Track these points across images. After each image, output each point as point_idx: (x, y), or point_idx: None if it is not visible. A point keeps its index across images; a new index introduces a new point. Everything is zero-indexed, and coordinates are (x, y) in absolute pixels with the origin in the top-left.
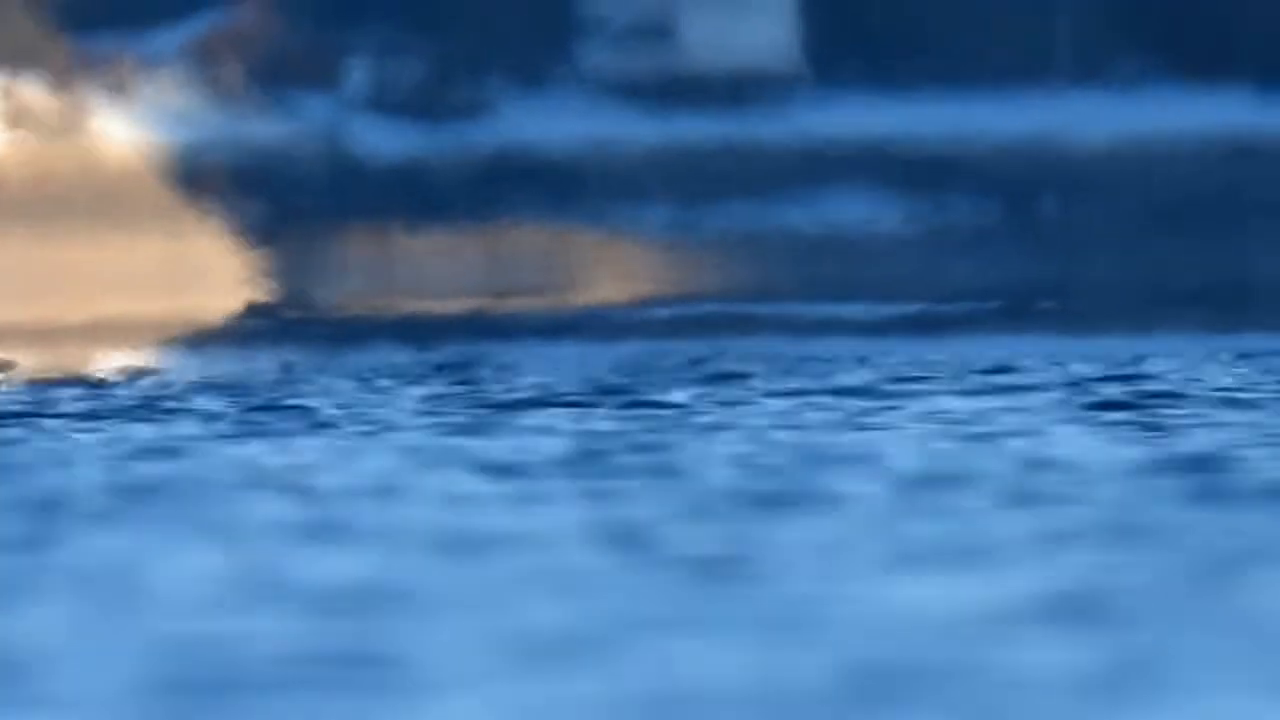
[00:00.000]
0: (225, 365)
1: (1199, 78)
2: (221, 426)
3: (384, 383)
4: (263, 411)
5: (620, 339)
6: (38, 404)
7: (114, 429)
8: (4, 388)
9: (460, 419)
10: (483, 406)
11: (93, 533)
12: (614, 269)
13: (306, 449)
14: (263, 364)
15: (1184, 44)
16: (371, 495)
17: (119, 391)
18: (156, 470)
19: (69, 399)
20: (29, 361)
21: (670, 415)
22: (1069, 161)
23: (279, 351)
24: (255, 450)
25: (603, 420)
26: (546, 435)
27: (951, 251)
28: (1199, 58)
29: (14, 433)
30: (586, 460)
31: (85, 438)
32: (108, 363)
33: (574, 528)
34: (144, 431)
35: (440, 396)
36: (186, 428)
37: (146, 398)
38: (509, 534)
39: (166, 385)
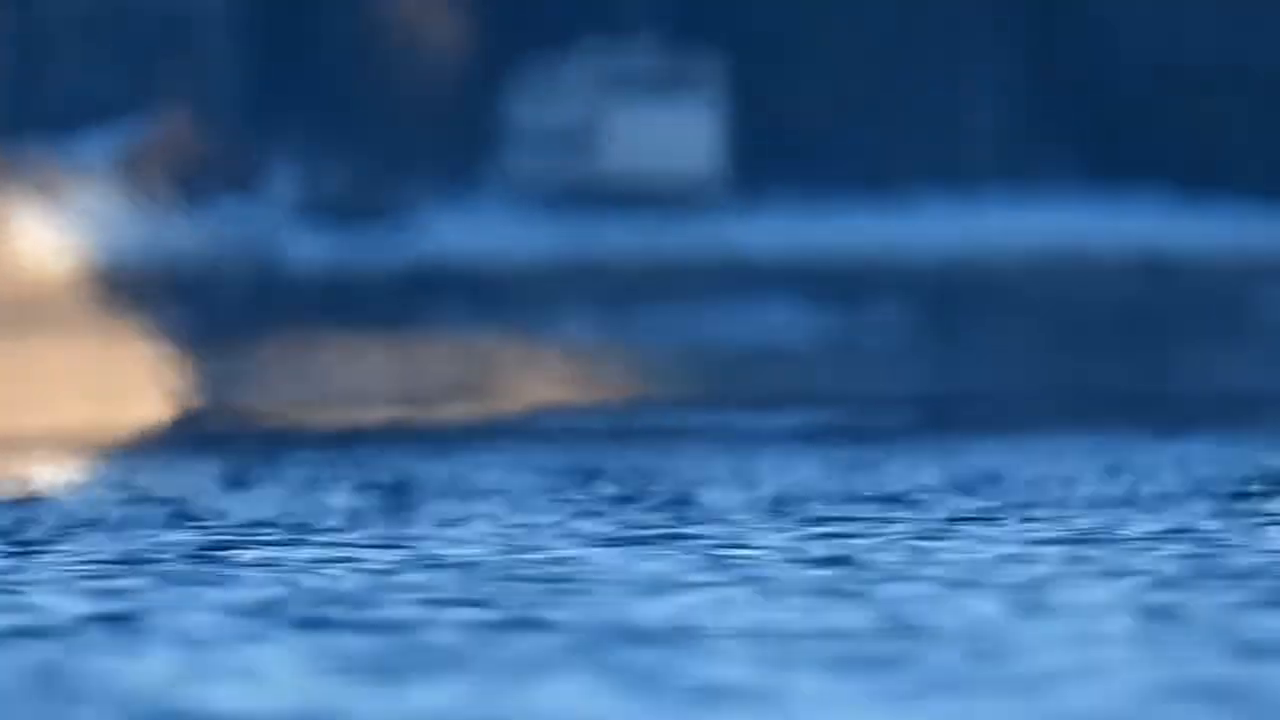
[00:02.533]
0: (147, 476)
1: (1110, 192)
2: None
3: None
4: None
5: (541, 445)
6: None
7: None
8: None
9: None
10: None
11: None
12: (531, 377)
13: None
14: (185, 474)
15: (1094, 158)
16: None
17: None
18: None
19: None
20: None
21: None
22: (983, 273)
23: (202, 461)
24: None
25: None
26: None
27: (861, 361)
28: (1112, 171)
29: None
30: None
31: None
32: (28, 476)
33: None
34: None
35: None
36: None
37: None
38: None
39: (88, 499)
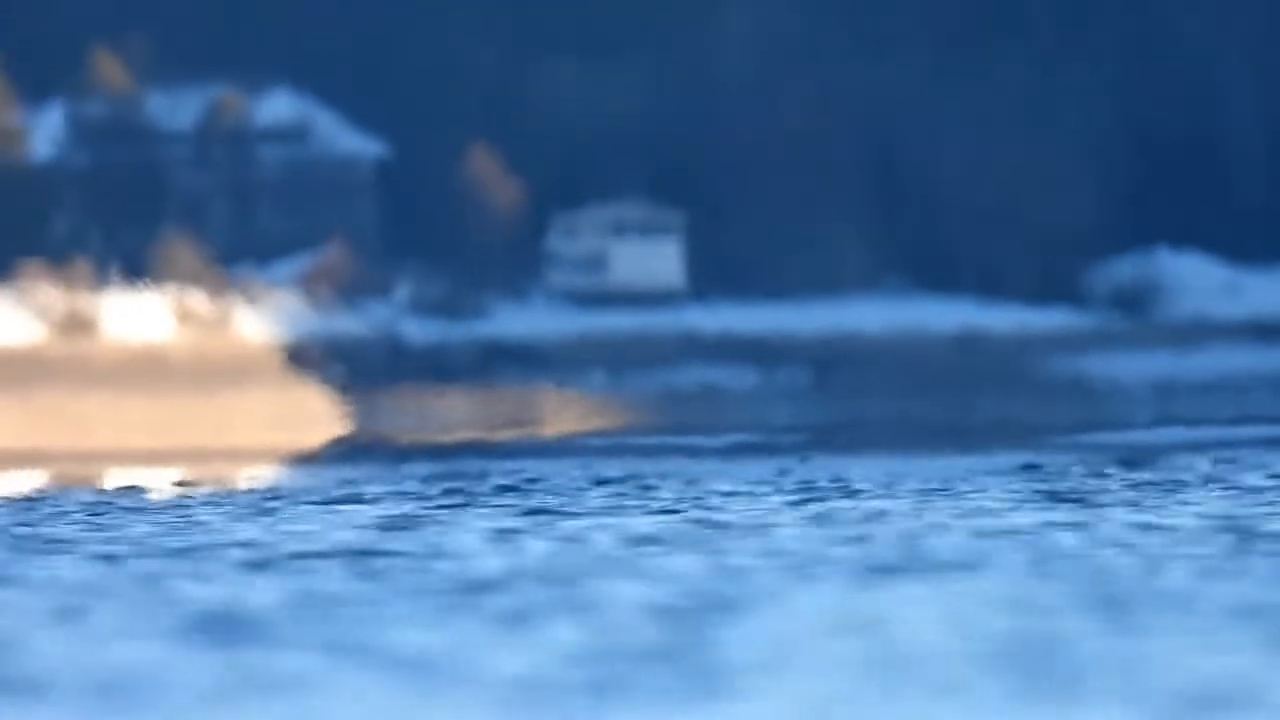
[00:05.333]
0: (320, 478)
1: (934, 291)
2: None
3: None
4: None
5: (564, 458)
6: (207, 503)
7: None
8: (187, 493)
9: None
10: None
11: None
12: (566, 414)
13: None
14: (344, 475)
15: (922, 269)
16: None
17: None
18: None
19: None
20: (196, 476)
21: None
22: (857, 345)
23: (355, 468)
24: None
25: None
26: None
27: (776, 402)
28: (935, 277)
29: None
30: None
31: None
32: (244, 476)
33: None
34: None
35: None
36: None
37: (270, 499)
38: None
39: (280, 492)
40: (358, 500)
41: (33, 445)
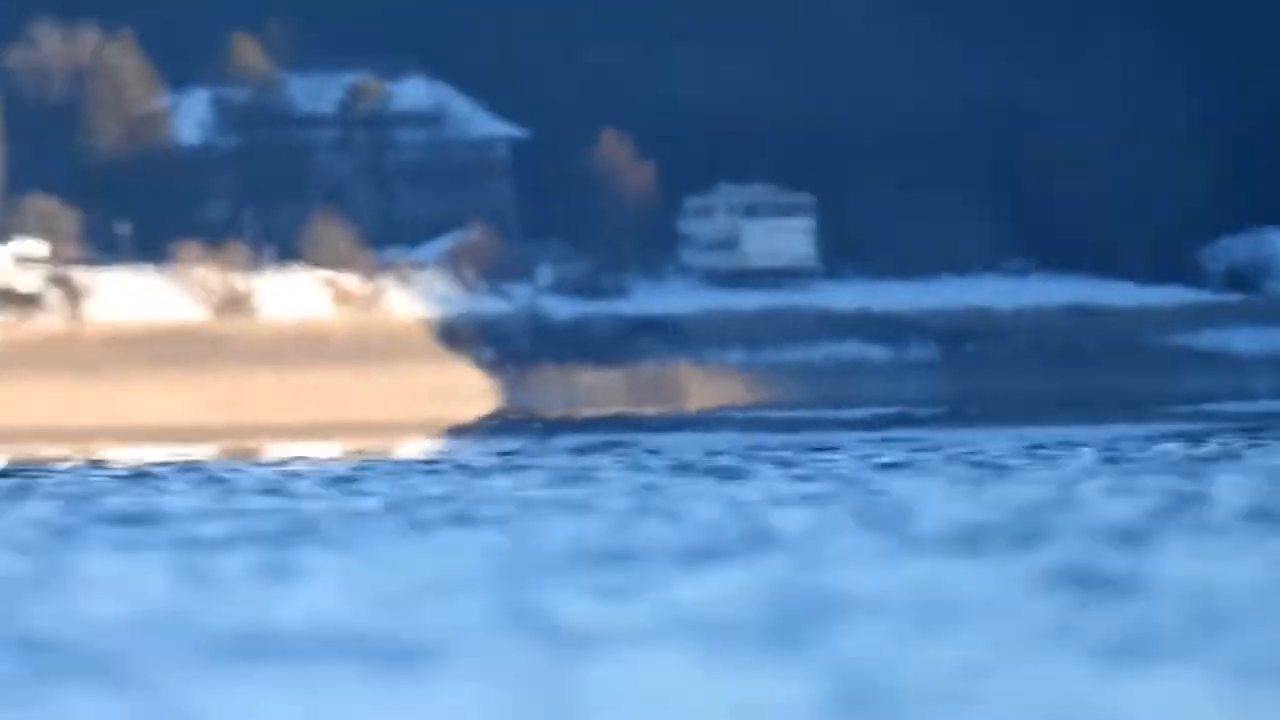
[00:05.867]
0: (472, 448)
1: (1054, 269)
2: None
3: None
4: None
5: (708, 430)
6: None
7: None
8: (350, 462)
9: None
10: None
11: None
12: (705, 389)
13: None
14: (495, 446)
15: (1042, 249)
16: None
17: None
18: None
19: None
20: (360, 445)
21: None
22: (984, 321)
23: (503, 438)
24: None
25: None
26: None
27: (908, 376)
28: (1055, 257)
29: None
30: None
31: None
32: (407, 444)
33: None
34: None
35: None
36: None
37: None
38: None
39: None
40: (510, 469)
41: (200, 421)
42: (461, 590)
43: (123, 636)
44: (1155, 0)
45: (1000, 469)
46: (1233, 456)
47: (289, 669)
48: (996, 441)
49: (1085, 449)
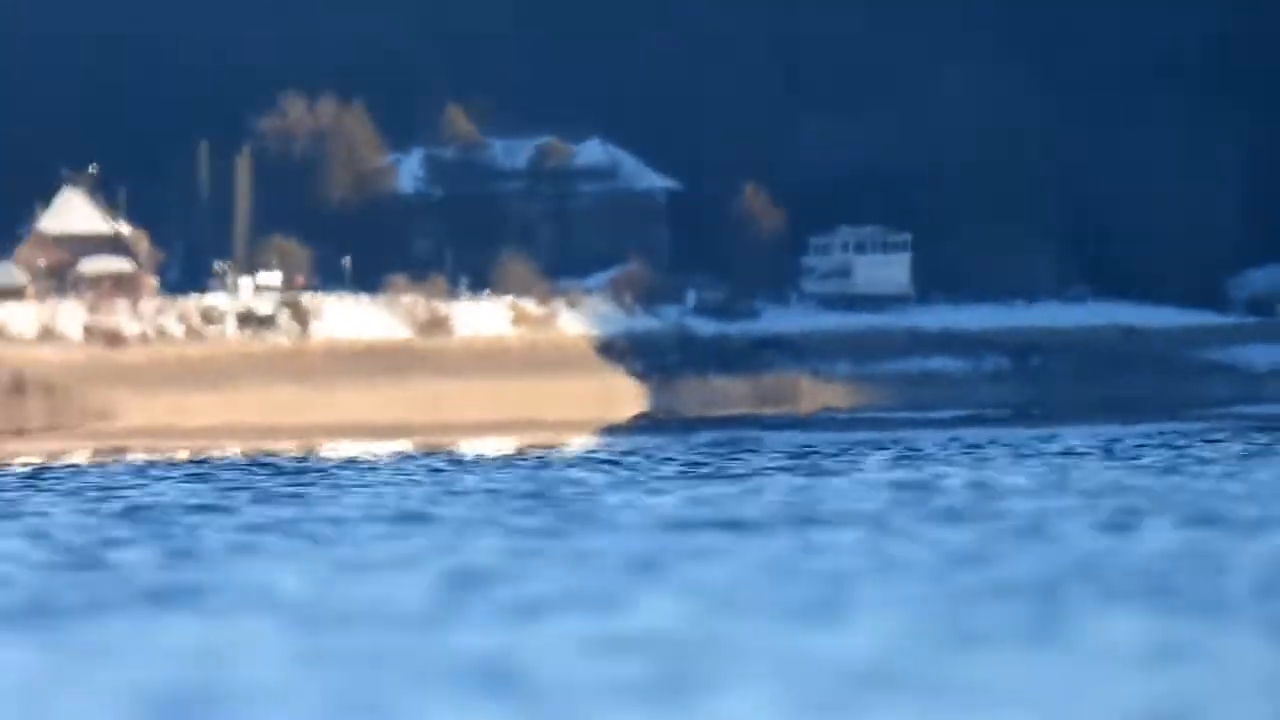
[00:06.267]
0: (626, 444)
1: (1106, 296)
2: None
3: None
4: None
5: (820, 430)
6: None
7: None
8: (532, 456)
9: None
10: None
11: None
12: (818, 394)
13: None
14: (646, 444)
15: (1099, 280)
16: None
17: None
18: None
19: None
20: (534, 440)
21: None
22: (1048, 339)
23: (651, 435)
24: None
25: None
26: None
27: (984, 385)
28: (1107, 285)
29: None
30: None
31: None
32: (573, 441)
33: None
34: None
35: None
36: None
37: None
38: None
39: (595, 453)
40: (653, 458)
41: (405, 420)
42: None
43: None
44: (1203, 72)
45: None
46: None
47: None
48: (1062, 439)
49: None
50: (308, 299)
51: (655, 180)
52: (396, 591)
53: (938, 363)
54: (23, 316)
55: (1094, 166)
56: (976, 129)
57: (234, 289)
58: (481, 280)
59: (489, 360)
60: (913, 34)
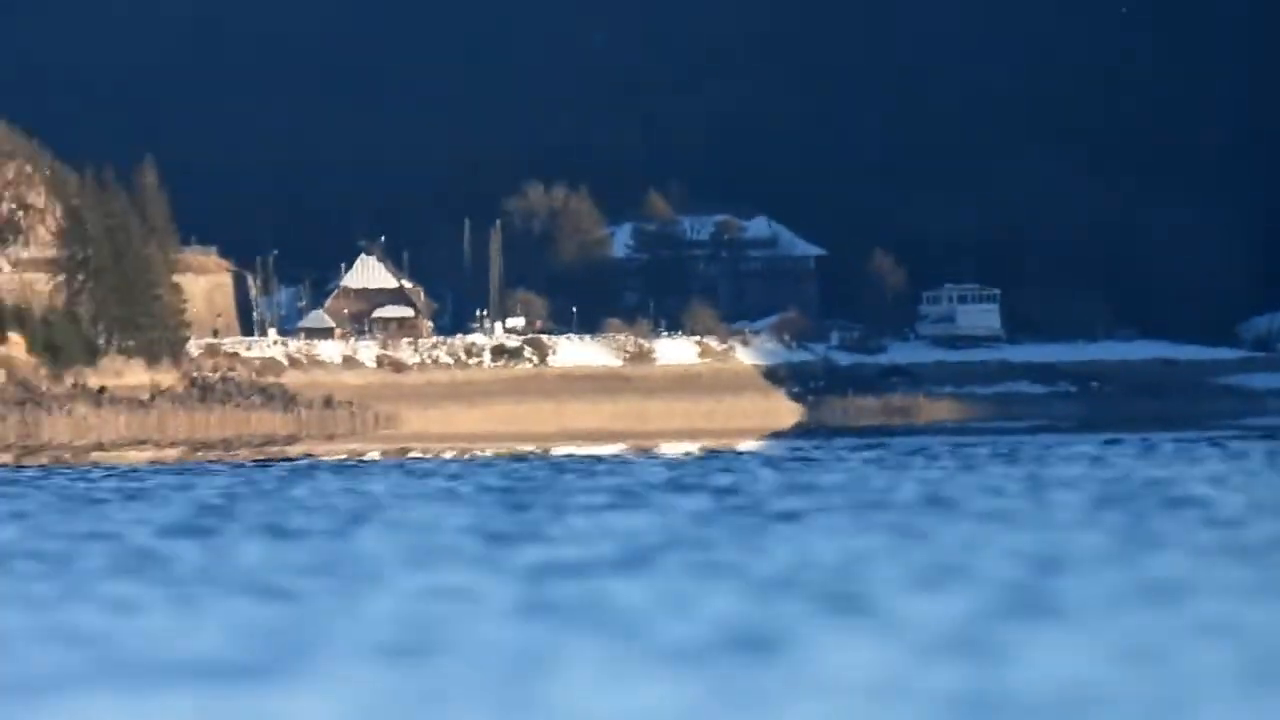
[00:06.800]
0: (781, 450)
1: (1147, 335)
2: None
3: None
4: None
5: (931, 435)
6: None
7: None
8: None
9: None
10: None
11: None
12: (931, 410)
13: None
14: (801, 445)
15: (1143, 323)
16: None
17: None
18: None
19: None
20: (714, 444)
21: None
22: (1105, 369)
23: (804, 440)
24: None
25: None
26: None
27: (1056, 403)
28: (1148, 326)
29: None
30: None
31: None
32: (741, 444)
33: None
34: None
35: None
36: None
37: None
38: None
39: (767, 455)
40: (807, 458)
41: (618, 429)
42: None
43: None
44: (1219, 161)
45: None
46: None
47: None
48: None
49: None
50: (545, 337)
51: (807, 248)
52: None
53: (1021, 386)
54: (332, 350)
55: (1137, 234)
56: (1046, 204)
57: (489, 330)
58: (675, 323)
59: (682, 384)
60: (994, 126)
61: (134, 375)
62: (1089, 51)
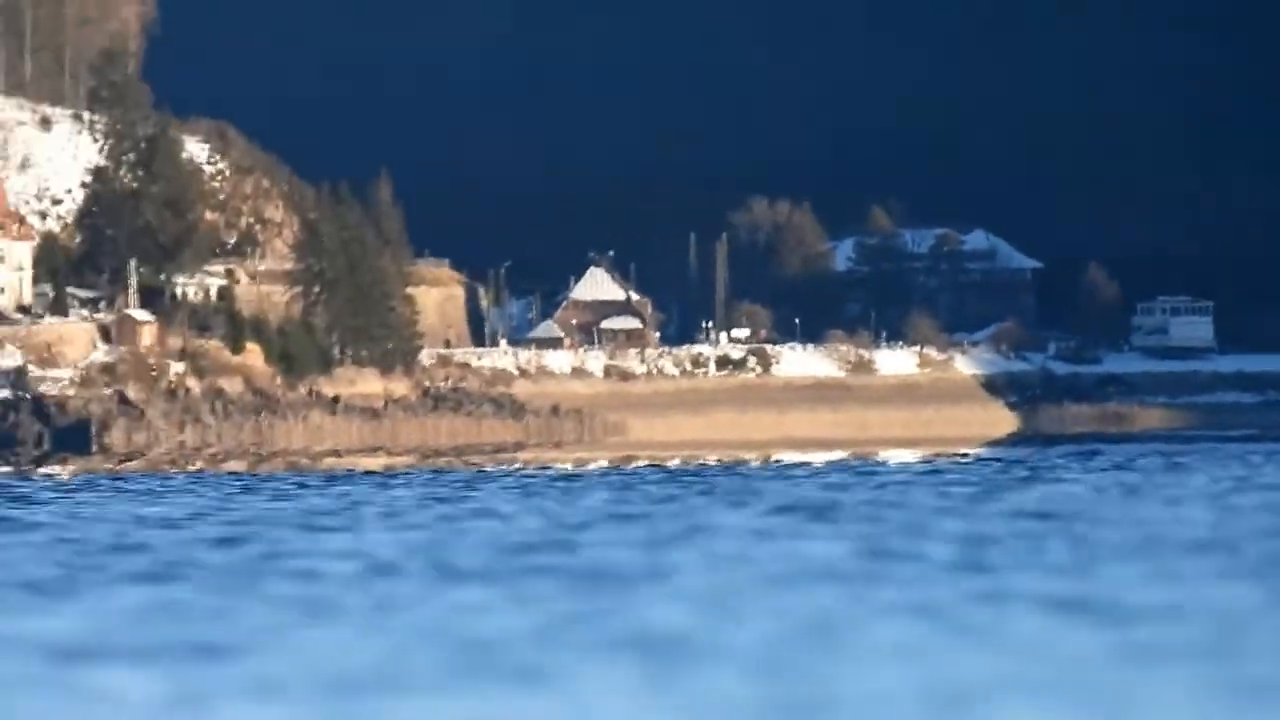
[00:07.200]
0: (1003, 453)
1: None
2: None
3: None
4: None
5: (1144, 443)
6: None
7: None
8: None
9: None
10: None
11: None
12: (1144, 418)
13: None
14: (1019, 453)
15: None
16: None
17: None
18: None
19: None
20: (935, 451)
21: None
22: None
23: (1023, 447)
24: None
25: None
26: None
27: (1269, 412)
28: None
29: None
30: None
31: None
32: (964, 449)
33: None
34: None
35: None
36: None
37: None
38: None
39: (965, 461)
40: (1027, 465)
41: (839, 437)
42: None
43: None
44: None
45: None
46: None
47: None
48: None
49: None
50: (769, 348)
51: (1024, 261)
52: None
53: (1232, 396)
54: (561, 360)
55: None
56: (1253, 220)
57: (715, 341)
58: (896, 334)
59: (902, 393)
60: (1203, 146)
61: (367, 384)
62: None
